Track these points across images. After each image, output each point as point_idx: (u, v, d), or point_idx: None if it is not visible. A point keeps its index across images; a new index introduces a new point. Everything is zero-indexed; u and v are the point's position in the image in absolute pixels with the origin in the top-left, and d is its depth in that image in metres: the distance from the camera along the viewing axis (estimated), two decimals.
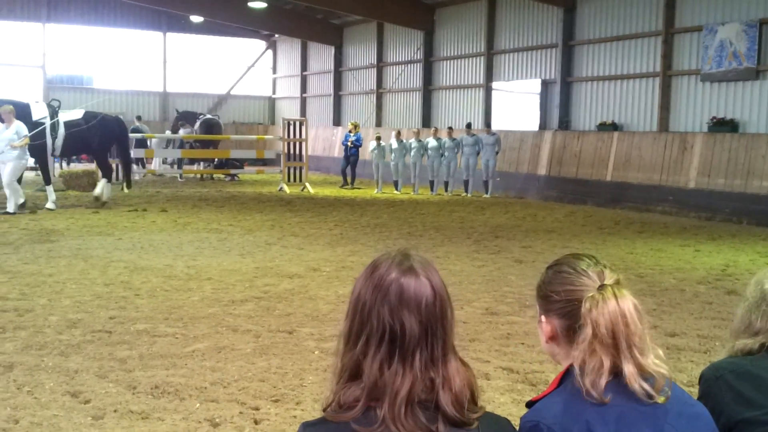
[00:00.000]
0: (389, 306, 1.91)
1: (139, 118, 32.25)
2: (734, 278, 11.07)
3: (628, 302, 2.10)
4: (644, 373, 2.08)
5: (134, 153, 29.11)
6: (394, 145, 25.34)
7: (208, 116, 31.78)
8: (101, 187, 19.38)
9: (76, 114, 19.62)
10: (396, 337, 1.89)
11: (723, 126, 19.57)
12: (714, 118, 19.97)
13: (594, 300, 2.10)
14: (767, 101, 19.12)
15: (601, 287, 2.13)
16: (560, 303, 2.19)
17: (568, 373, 2.16)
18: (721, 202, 18.45)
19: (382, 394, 1.87)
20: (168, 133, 31.06)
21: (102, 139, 19.59)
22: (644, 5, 22.23)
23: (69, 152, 20.93)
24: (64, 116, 19.22)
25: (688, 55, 21.05)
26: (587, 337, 2.07)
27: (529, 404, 2.22)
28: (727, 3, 19.96)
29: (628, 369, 2.06)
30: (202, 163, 30.48)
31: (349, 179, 26.91)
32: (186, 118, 31.74)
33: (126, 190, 20.76)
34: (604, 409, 2.05)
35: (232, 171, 29.30)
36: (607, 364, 2.06)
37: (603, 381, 2.05)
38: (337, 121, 37.49)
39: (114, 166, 24.68)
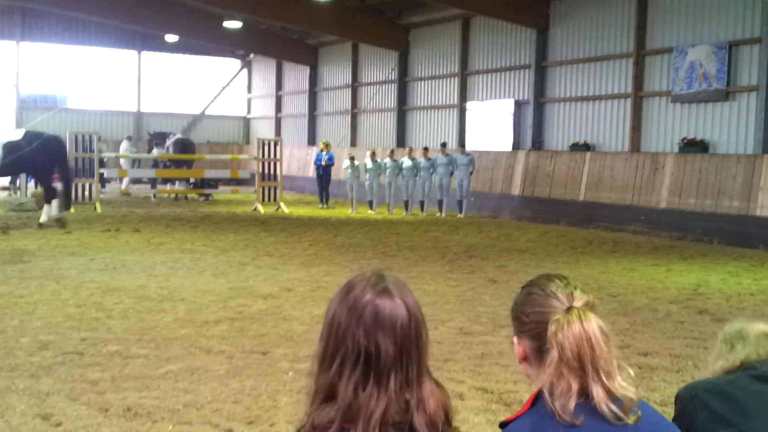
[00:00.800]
0: (364, 328, 1.91)
1: (99, 138, 32.13)
2: (706, 297, 11.16)
3: (593, 325, 2.09)
4: (612, 396, 2.07)
5: (107, 173, 29.12)
6: (369, 164, 25.36)
7: (180, 136, 31.74)
8: (55, 209, 18.78)
9: (17, 134, 19.21)
10: (371, 359, 1.89)
11: (693, 146, 19.80)
12: (684, 138, 20.22)
13: (559, 323, 2.10)
14: (736, 122, 19.39)
15: (568, 309, 2.13)
16: (530, 324, 2.19)
17: (541, 393, 2.17)
18: (692, 222, 18.62)
19: (356, 416, 1.86)
20: (122, 148, 31.02)
21: (46, 160, 18.95)
22: (616, 27, 22.51)
23: (8, 173, 20.60)
24: (3, 137, 18.85)
25: (659, 76, 21.32)
26: (554, 360, 2.07)
27: (503, 425, 2.21)
28: (696, 25, 20.26)
29: (596, 391, 2.06)
30: (177, 183, 30.38)
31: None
32: (158, 138, 31.74)
33: (62, 213, 19.10)
34: (574, 431, 2.06)
35: (206, 191, 29.22)
36: (575, 386, 2.05)
37: (572, 403, 2.05)
38: (312, 141, 37.48)
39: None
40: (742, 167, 17.88)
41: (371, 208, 25.26)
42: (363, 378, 1.88)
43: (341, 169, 27.05)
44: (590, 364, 2.06)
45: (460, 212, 23.98)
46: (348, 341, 1.91)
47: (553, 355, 2.08)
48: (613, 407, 2.06)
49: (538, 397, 2.16)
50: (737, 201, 17.79)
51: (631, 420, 2.08)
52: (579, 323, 2.09)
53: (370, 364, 1.89)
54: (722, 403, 2.68)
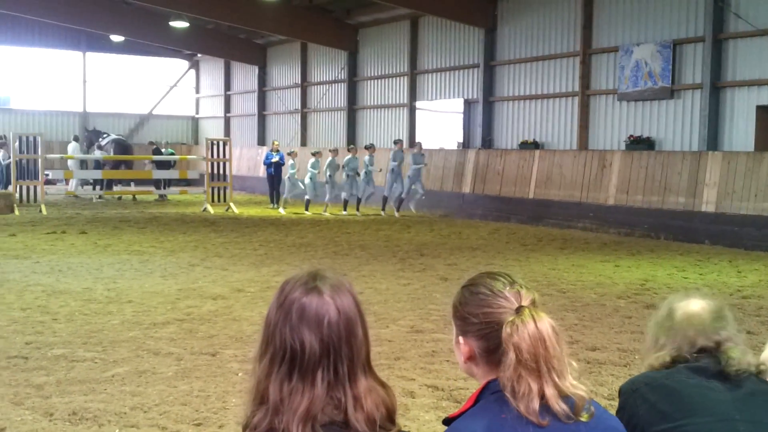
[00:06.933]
0: (290, 325, 1.93)
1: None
2: (653, 292, 11.31)
3: (546, 324, 2.08)
4: (563, 395, 2.07)
5: (53, 174, 28.72)
6: (328, 163, 25.15)
7: (115, 136, 31.52)
8: None
9: None
10: (296, 357, 1.90)
11: (640, 144, 20.08)
12: (631, 136, 20.49)
13: (514, 325, 2.07)
14: (681, 120, 19.70)
15: (519, 310, 2.11)
16: (478, 325, 2.15)
17: (485, 389, 2.15)
18: (639, 218, 18.88)
19: (282, 414, 1.88)
20: (70, 149, 30.68)
21: None
22: (562, 26, 22.73)
23: None
24: None
25: (605, 75, 21.58)
26: (511, 363, 2.05)
27: (446, 421, 2.19)
28: (641, 24, 20.54)
29: (549, 392, 2.05)
30: (119, 184, 30.17)
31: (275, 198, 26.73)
32: (93, 136, 31.59)
33: None
34: (526, 429, 2.04)
35: (161, 191, 29.06)
36: (535, 387, 2.04)
37: (536, 404, 2.03)
38: (261, 141, 37.29)
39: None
40: (687, 164, 18.17)
41: (325, 209, 25.09)
42: (288, 375, 1.90)
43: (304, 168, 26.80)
44: (544, 364, 2.05)
45: (411, 209, 23.95)
46: (276, 339, 1.94)
47: (510, 357, 2.05)
48: (564, 406, 2.05)
49: (483, 392, 2.14)
50: (683, 197, 18.07)
51: (584, 417, 2.08)
52: (533, 323, 2.07)
53: (295, 362, 1.90)
54: (662, 397, 2.68)
